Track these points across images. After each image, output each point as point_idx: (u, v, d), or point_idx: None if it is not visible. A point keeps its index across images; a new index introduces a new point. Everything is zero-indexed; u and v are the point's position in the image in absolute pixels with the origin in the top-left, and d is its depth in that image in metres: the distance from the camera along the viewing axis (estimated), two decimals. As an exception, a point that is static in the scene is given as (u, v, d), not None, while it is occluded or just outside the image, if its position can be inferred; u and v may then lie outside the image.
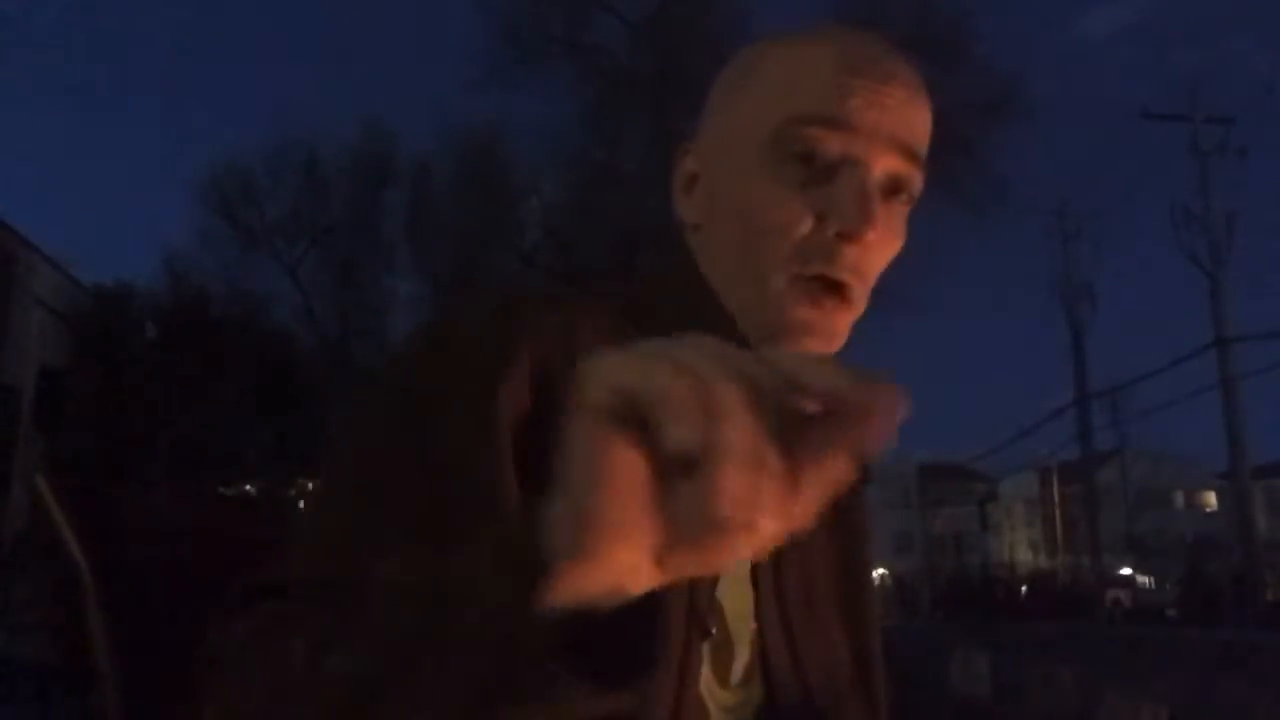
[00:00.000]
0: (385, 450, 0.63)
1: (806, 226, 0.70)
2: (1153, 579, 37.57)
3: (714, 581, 0.71)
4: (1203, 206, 23.41)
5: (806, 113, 0.70)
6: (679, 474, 0.38)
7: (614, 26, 15.56)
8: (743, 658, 0.74)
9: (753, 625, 0.75)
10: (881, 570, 51.20)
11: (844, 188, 0.69)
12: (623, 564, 0.39)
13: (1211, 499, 49.44)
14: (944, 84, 14.61)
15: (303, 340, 20.35)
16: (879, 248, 0.71)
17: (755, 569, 0.75)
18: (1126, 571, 37.12)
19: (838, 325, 0.71)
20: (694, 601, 0.69)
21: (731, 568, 0.40)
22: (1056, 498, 44.54)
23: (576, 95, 15.44)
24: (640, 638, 0.65)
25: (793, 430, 0.39)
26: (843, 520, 0.83)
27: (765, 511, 0.37)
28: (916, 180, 0.73)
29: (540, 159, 16.48)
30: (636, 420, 0.38)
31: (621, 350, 0.39)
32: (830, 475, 0.39)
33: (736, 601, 0.74)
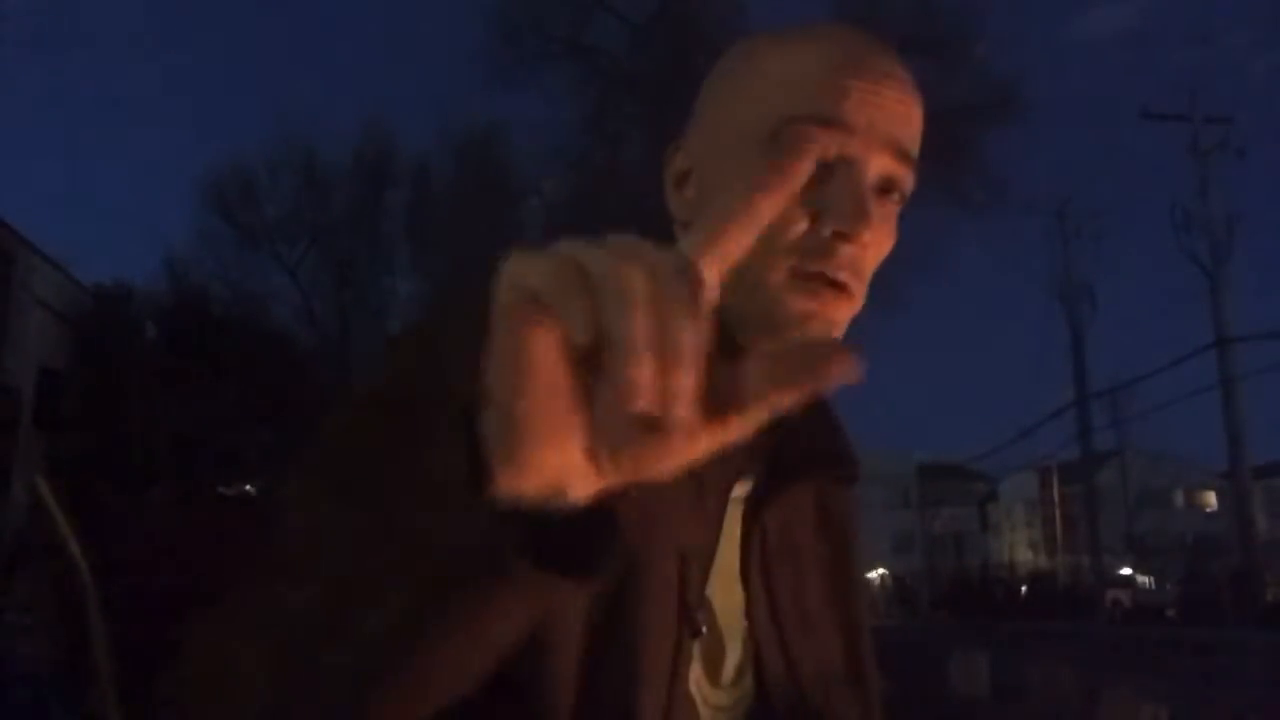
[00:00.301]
0: (356, 449, 0.63)
1: (802, 226, 0.70)
2: (1153, 579, 37.54)
3: (703, 580, 0.72)
4: (1203, 207, 23.42)
5: (802, 112, 0.70)
6: (597, 373, 0.37)
7: (614, 26, 15.57)
8: (734, 657, 0.74)
9: (744, 624, 0.75)
10: (881, 570, 51.19)
11: (840, 188, 0.69)
12: (554, 466, 0.39)
13: (1211, 499, 49.42)
14: (944, 84, 14.62)
15: (303, 340, 20.36)
16: (873, 247, 0.72)
17: (745, 568, 0.75)
18: (1126, 571, 37.10)
19: (837, 315, 0.71)
20: (684, 599, 0.69)
21: (666, 472, 0.39)
22: (1056, 498, 44.51)
23: (577, 96, 15.46)
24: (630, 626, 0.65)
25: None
26: (832, 519, 0.83)
27: (680, 401, 0.37)
28: (908, 180, 0.73)
29: (540, 159, 16.50)
30: (550, 320, 0.37)
31: (533, 249, 0.39)
32: (774, 393, 0.39)
33: (727, 600, 0.74)
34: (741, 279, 0.73)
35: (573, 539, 0.45)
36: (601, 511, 0.43)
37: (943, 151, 13.91)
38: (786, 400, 0.40)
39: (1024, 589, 38.46)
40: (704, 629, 0.71)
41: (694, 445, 0.39)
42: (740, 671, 0.74)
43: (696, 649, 0.71)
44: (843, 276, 0.70)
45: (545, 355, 0.38)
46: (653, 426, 0.37)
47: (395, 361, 0.69)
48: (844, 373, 0.39)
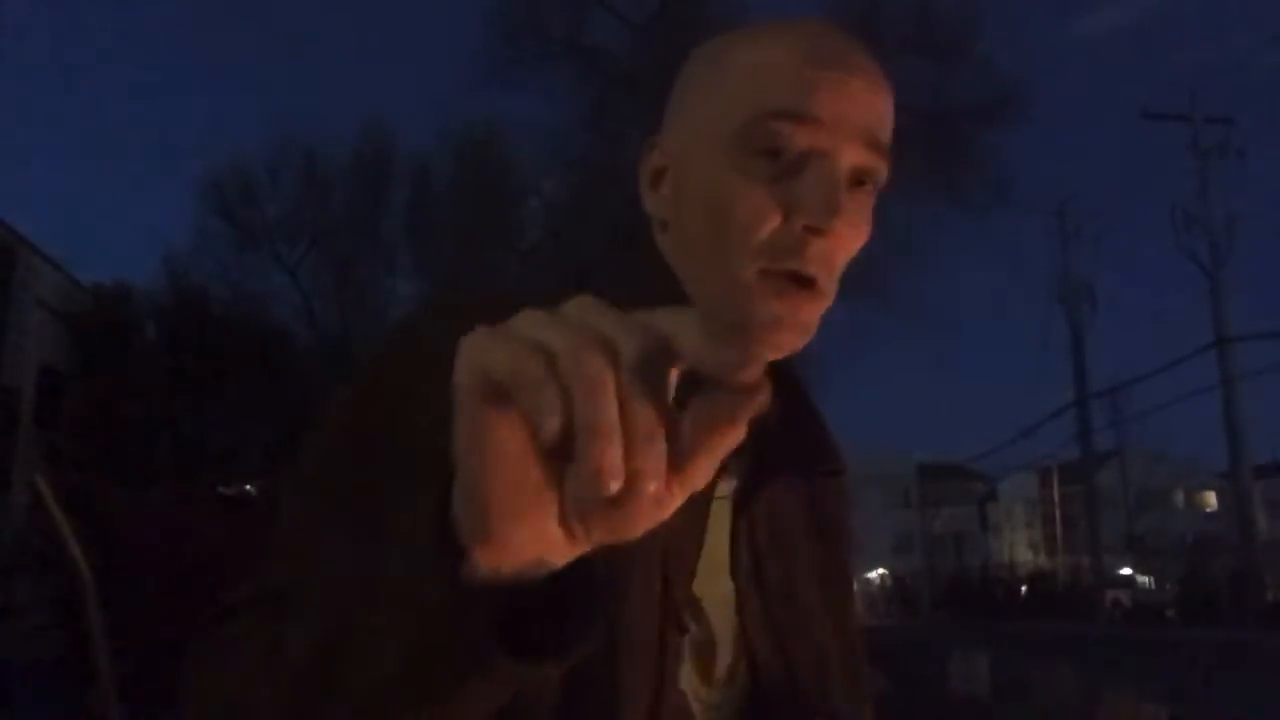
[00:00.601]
0: (338, 458, 0.65)
1: (774, 221, 0.70)
2: (1153, 579, 37.52)
3: (689, 578, 0.71)
4: (1203, 207, 23.41)
5: (772, 107, 0.70)
6: (562, 451, 0.37)
7: (614, 26, 15.56)
8: (726, 655, 0.74)
9: (735, 621, 0.75)
10: (881, 570, 51.22)
11: (811, 182, 0.69)
12: (528, 542, 0.40)
13: (1211, 499, 49.42)
14: (944, 84, 14.61)
15: (303, 340, 20.35)
16: (847, 239, 0.72)
17: (735, 564, 0.75)
18: (1126, 571, 37.10)
19: (807, 317, 0.71)
20: (669, 598, 0.68)
21: (638, 532, 0.39)
22: (1056, 498, 44.51)
23: (576, 95, 15.44)
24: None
25: (688, 391, 0.39)
26: (823, 514, 0.83)
27: (650, 478, 0.37)
28: (881, 170, 0.73)
29: (540, 159, 16.48)
30: (515, 408, 0.37)
31: (489, 328, 0.39)
32: (720, 437, 0.39)
33: (717, 598, 0.74)
34: (713, 279, 0.73)
35: (553, 616, 0.45)
36: (582, 583, 0.43)
37: (943, 151, 13.88)
38: (730, 442, 0.39)
39: (1024, 589, 38.45)
40: (692, 627, 0.71)
41: (665, 507, 0.39)
42: (733, 670, 0.74)
43: (687, 648, 0.71)
44: (813, 272, 0.70)
45: (512, 442, 0.38)
46: (624, 501, 0.38)
47: (370, 374, 0.70)
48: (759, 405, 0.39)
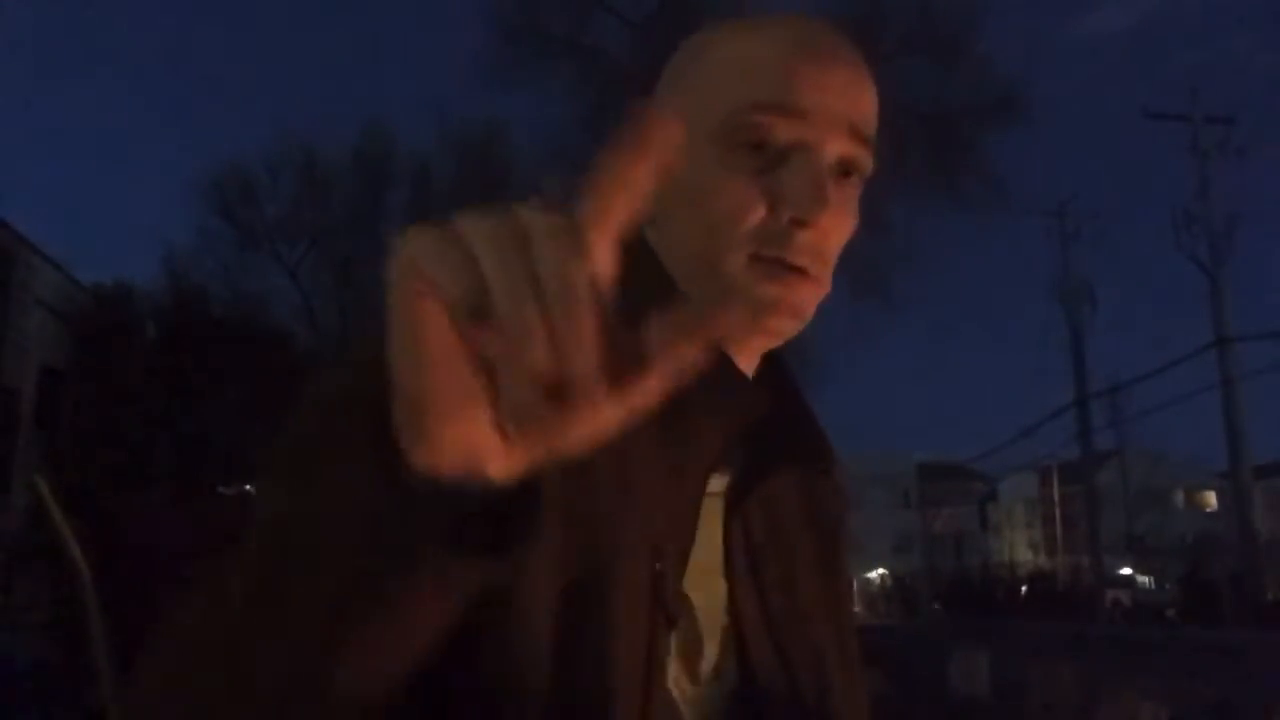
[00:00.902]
0: (300, 445, 0.64)
1: (760, 213, 0.70)
2: (1153, 579, 37.53)
3: (679, 574, 0.71)
4: (1203, 207, 23.41)
5: (755, 100, 0.70)
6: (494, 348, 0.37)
7: (614, 26, 15.58)
8: (712, 653, 0.73)
9: (724, 620, 0.74)
10: (881, 570, 51.19)
11: (796, 174, 0.69)
12: (464, 443, 0.39)
13: (1211, 499, 49.40)
14: (944, 84, 14.61)
15: (303, 341, 20.34)
16: (834, 230, 0.72)
17: (729, 563, 0.75)
18: (1126, 571, 37.10)
19: (802, 299, 0.71)
20: (658, 593, 0.68)
21: (572, 443, 0.39)
22: (1056, 498, 44.51)
23: (576, 95, 15.46)
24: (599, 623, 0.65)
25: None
26: (818, 513, 0.83)
27: (580, 383, 0.36)
28: (866, 160, 0.73)
29: (540, 159, 16.49)
30: (435, 289, 0.37)
31: (428, 225, 0.39)
32: (666, 353, 0.38)
33: (706, 596, 0.73)
34: (701, 266, 0.73)
35: (492, 516, 0.44)
36: (523, 489, 0.42)
37: (943, 151, 13.89)
38: (688, 356, 0.39)
39: (1024, 589, 38.43)
40: (679, 621, 0.70)
41: (603, 412, 0.38)
42: (719, 668, 0.73)
43: (673, 645, 0.70)
44: (802, 261, 0.70)
45: (436, 326, 0.37)
46: (557, 394, 0.37)
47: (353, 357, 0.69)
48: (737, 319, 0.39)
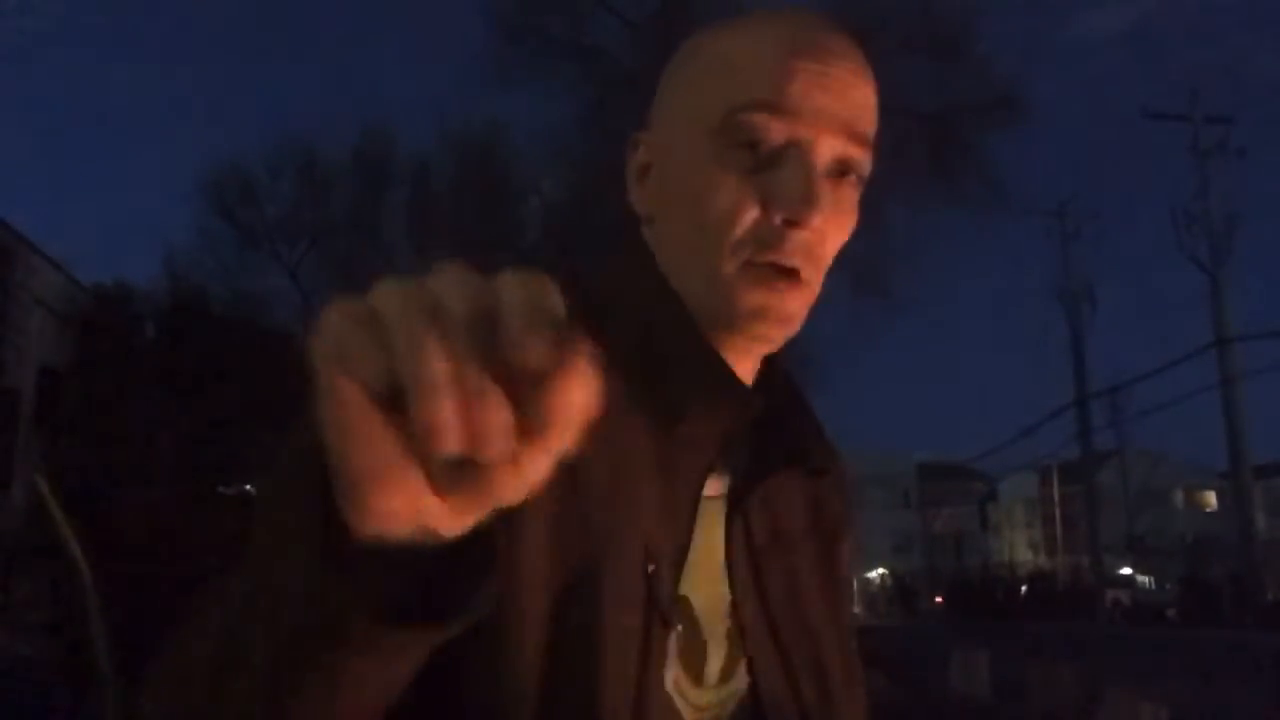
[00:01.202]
0: (265, 504, 0.65)
1: (753, 213, 0.70)
2: (1153, 579, 37.52)
3: (674, 577, 0.70)
4: (1203, 207, 23.41)
5: (750, 99, 0.70)
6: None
7: (614, 26, 15.56)
8: (717, 656, 0.73)
9: (727, 623, 0.74)
10: (881, 570, 51.18)
11: (789, 174, 0.69)
12: (404, 511, 0.39)
13: (1211, 499, 49.38)
14: (944, 84, 14.60)
15: (303, 340, 20.31)
16: (830, 231, 0.72)
17: (730, 565, 0.74)
18: (1126, 571, 37.09)
19: (791, 307, 0.71)
20: (652, 597, 0.68)
21: (506, 498, 0.39)
22: (1056, 498, 44.50)
23: (577, 95, 15.44)
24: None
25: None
26: (820, 514, 0.83)
27: (489, 438, 0.36)
28: (864, 160, 0.73)
29: (540, 159, 16.49)
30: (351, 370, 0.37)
31: (344, 303, 0.39)
32: (566, 399, 0.37)
33: (708, 599, 0.73)
34: (696, 271, 0.73)
35: (444, 581, 0.45)
36: (473, 549, 0.42)
37: (943, 151, 13.88)
38: (579, 406, 0.38)
39: (1024, 589, 38.43)
40: (679, 626, 0.70)
41: (530, 468, 0.38)
42: (726, 670, 0.73)
43: (673, 649, 0.70)
44: (795, 263, 0.70)
45: (355, 405, 0.37)
46: (476, 463, 0.37)
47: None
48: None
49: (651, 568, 0.68)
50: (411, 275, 0.40)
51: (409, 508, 0.38)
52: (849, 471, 0.90)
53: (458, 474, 0.37)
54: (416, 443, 0.37)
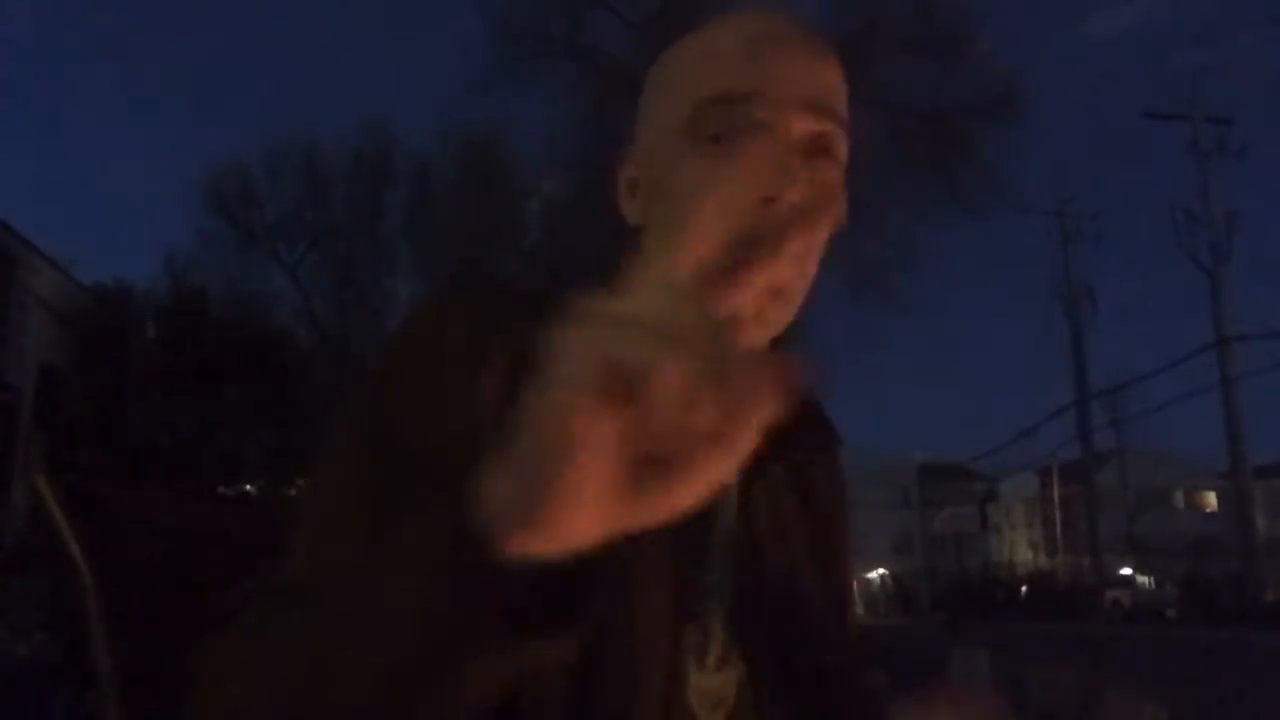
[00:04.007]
0: (352, 449, 0.65)
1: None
2: (1153, 579, 37.52)
3: (700, 567, 0.71)
4: (1203, 207, 23.42)
5: (713, 93, 0.71)
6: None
7: (614, 26, 15.57)
8: (718, 640, 0.73)
9: (728, 606, 0.74)
10: (881, 570, 51.18)
11: (759, 151, 0.69)
12: (579, 529, 0.39)
13: (1211, 499, 49.38)
14: (944, 84, 14.60)
15: (303, 340, 20.34)
16: (813, 209, 0.71)
17: (737, 553, 0.75)
18: (1126, 571, 37.09)
19: (773, 316, 0.71)
20: (680, 588, 0.68)
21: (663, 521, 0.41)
22: (1056, 498, 44.50)
23: (576, 95, 15.45)
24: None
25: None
26: (816, 493, 0.83)
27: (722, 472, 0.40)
28: (838, 137, 0.73)
29: (540, 159, 16.50)
30: (608, 415, 0.38)
31: (590, 320, 0.39)
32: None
33: (714, 585, 0.73)
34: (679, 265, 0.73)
35: (555, 594, 0.45)
36: (580, 565, 0.43)
37: (943, 151, 13.87)
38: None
39: (1024, 589, 38.45)
40: (702, 615, 0.71)
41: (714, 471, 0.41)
42: (725, 654, 0.73)
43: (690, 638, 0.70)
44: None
45: (599, 445, 0.38)
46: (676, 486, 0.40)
47: (383, 367, 0.69)
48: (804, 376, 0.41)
49: (679, 560, 0.69)
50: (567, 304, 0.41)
51: (590, 524, 0.39)
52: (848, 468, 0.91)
53: (649, 479, 0.39)
54: (628, 444, 0.38)
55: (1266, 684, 10.23)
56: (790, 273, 0.71)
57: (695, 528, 0.71)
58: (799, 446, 0.80)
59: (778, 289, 0.71)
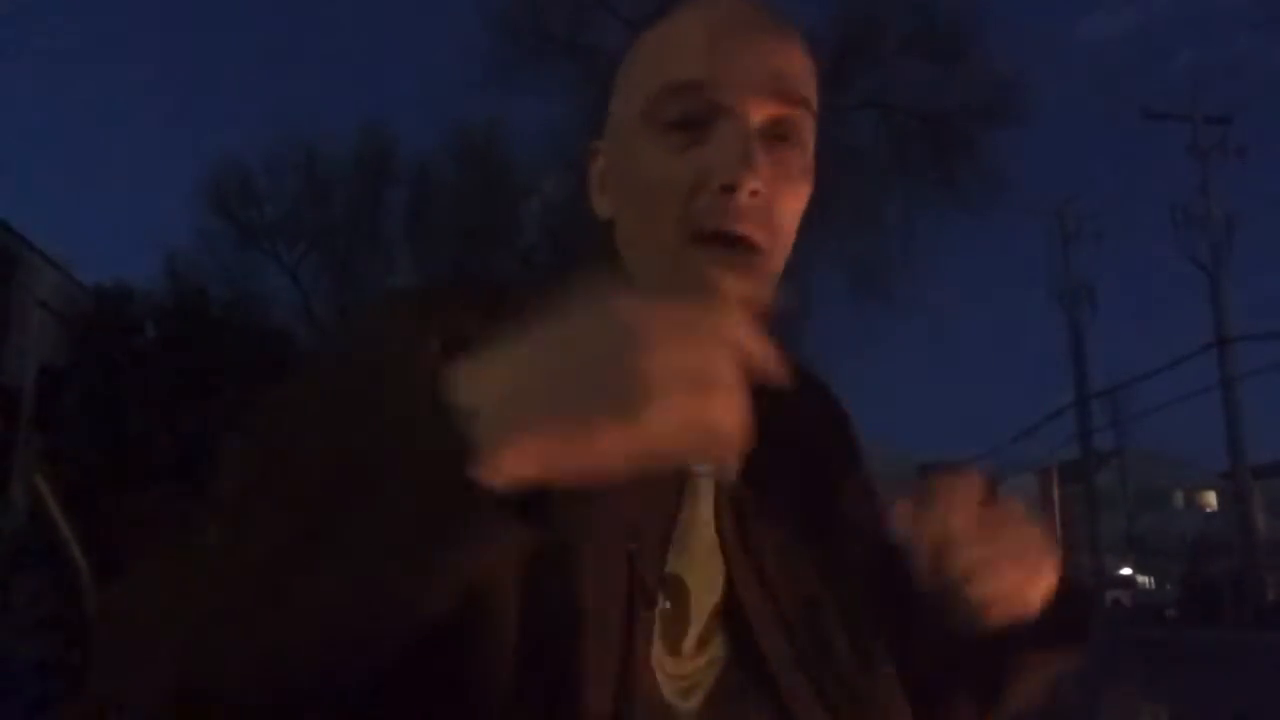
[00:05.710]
0: (321, 399, 0.66)
1: (690, 186, 0.69)
2: (1153, 579, 37.51)
3: (662, 554, 0.70)
4: (1203, 207, 23.41)
5: (674, 80, 0.71)
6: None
7: (614, 26, 15.55)
8: (696, 627, 0.71)
9: (718, 598, 0.72)
10: (881, 570, 51.02)
11: (719, 140, 0.69)
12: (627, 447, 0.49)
13: (1211, 499, 49.34)
14: (944, 84, 14.60)
15: (303, 340, 20.33)
16: (778, 196, 0.71)
17: (722, 538, 0.73)
18: (1126, 571, 37.07)
19: (744, 280, 0.69)
20: (635, 574, 0.67)
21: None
22: (1056, 498, 44.46)
23: (576, 95, 15.44)
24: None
25: None
26: (817, 475, 0.81)
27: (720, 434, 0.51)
28: (803, 121, 0.72)
29: (540, 159, 16.48)
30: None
31: (726, 313, 0.51)
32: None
33: (702, 577, 0.72)
34: (651, 260, 0.72)
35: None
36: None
37: (943, 151, 13.88)
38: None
39: (1024, 589, 38.23)
40: (667, 604, 0.69)
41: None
42: (704, 640, 0.71)
43: (658, 625, 0.68)
44: (742, 229, 0.69)
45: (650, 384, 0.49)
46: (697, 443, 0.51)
47: (324, 362, 0.72)
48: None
49: (633, 547, 0.68)
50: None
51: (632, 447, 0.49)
52: (853, 426, 0.89)
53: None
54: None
55: (1266, 684, 10.23)
56: (762, 234, 0.70)
57: (655, 515, 0.71)
58: (791, 429, 0.77)
59: (752, 246, 0.71)
